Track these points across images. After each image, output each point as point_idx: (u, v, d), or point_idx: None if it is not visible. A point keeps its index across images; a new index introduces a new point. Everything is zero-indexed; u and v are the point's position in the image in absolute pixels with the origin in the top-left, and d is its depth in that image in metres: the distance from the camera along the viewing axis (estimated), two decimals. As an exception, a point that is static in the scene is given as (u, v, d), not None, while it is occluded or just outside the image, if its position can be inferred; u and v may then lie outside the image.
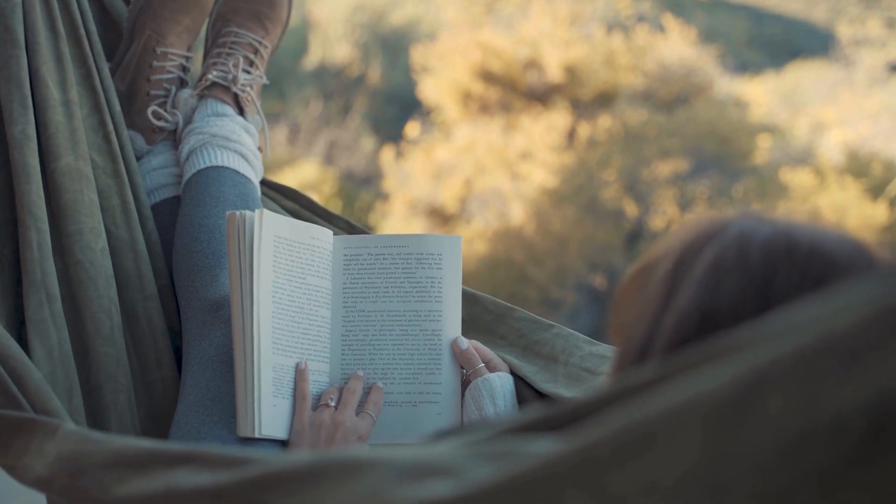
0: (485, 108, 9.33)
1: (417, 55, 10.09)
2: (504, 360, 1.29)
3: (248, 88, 1.58)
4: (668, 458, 0.45)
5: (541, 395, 1.25)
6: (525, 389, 1.27)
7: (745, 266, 0.65)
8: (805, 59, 11.87)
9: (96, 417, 1.28)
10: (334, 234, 1.35)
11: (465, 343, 1.27)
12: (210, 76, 1.56)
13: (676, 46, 10.04)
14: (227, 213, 1.24)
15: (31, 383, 1.16)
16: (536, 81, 9.23)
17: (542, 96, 9.24)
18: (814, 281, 0.64)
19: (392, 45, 12.33)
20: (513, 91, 9.28)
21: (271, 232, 1.23)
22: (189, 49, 1.62)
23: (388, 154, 9.30)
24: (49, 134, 1.35)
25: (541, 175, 8.44)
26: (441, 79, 9.52)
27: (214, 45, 1.60)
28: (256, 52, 1.59)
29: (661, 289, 0.68)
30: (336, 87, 10.19)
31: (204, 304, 1.32)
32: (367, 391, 1.27)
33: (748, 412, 0.43)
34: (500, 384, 1.23)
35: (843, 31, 12.14)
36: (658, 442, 0.45)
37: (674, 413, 0.45)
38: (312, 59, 9.95)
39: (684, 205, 8.29)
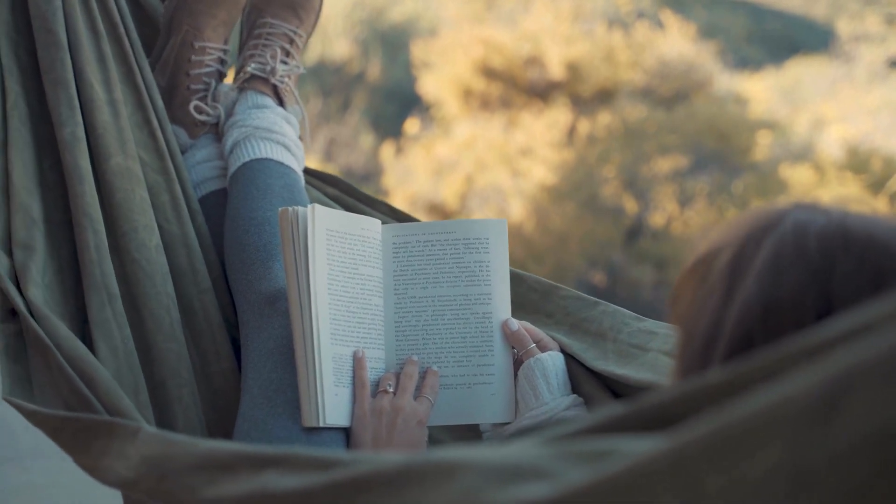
0: (485, 105, 9.32)
1: (417, 51, 10.08)
2: (553, 339, 1.31)
3: (286, 79, 1.60)
4: (757, 459, 0.46)
5: (591, 372, 1.27)
6: (575, 366, 1.28)
7: (804, 258, 0.67)
8: (805, 56, 11.87)
9: (162, 412, 1.31)
10: (381, 222, 1.37)
11: (516, 324, 1.28)
12: (249, 69, 1.58)
13: (676, 43, 10.03)
14: (280, 209, 1.26)
15: (101, 384, 1.19)
16: (537, 78, 9.23)
17: (542, 92, 9.24)
18: (871, 271, 0.65)
19: (392, 41, 12.32)
20: (513, 87, 9.28)
21: (323, 225, 1.25)
22: (225, 42, 1.63)
23: (387, 150, 9.29)
24: (98, 134, 1.37)
25: (541, 171, 8.44)
26: (441, 75, 9.51)
27: (250, 36, 1.62)
28: (292, 41, 1.60)
29: (722, 281, 0.70)
30: (335, 83, 10.18)
31: (259, 296, 1.34)
32: (423, 375, 1.29)
33: (832, 415, 0.44)
34: (552, 363, 1.25)
35: (843, 27, 12.14)
36: (749, 443, 0.46)
37: (763, 416, 0.46)
38: (311, 55, 9.94)
39: (684, 201, 8.29)
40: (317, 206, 1.25)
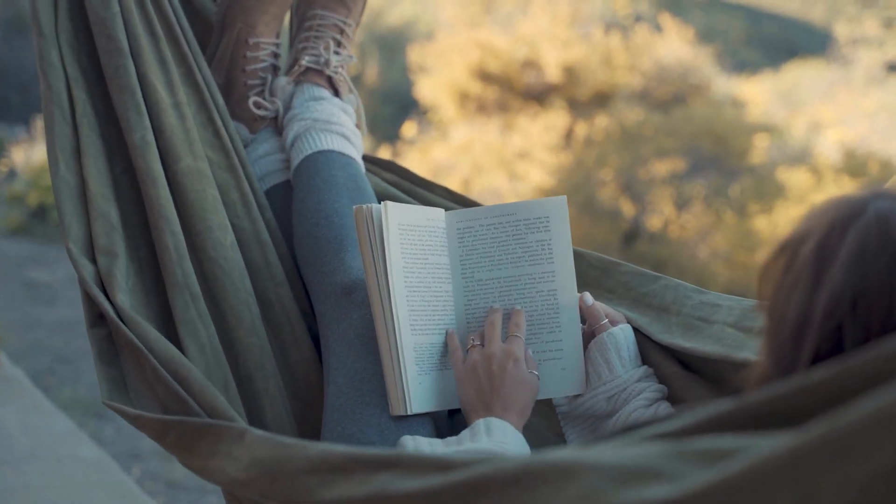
0: (482, 108, 9.33)
1: (414, 55, 10.09)
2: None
3: (340, 69, 1.62)
4: (868, 458, 0.47)
5: (658, 344, 1.28)
6: (642, 338, 1.29)
7: (889, 249, 0.70)
8: (802, 59, 11.89)
9: (251, 405, 1.34)
10: (443, 209, 1.39)
11: (591, 299, 1.30)
12: (303, 62, 1.60)
13: (674, 46, 10.05)
14: (354, 207, 1.28)
15: (195, 383, 1.21)
16: (534, 81, 9.24)
17: (539, 96, 9.24)
18: None
19: (389, 45, 12.32)
20: (510, 91, 9.28)
21: (396, 221, 1.28)
22: (277, 36, 1.65)
23: (384, 154, 9.30)
24: (165, 137, 1.39)
25: (538, 174, 8.45)
26: (438, 78, 9.52)
27: (301, 29, 1.64)
28: (342, 32, 1.63)
29: (810, 269, 0.73)
30: (333, 86, 10.17)
31: (336, 288, 1.36)
32: (508, 318, 1.30)
33: None
34: (623, 337, 1.27)
35: (841, 30, 12.17)
36: (863, 443, 0.47)
37: (876, 417, 0.47)
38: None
39: (681, 204, 8.30)
40: (389, 203, 1.27)
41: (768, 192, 8.20)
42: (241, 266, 1.40)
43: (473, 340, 1.26)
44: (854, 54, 11.49)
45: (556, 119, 8.93)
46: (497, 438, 1.11)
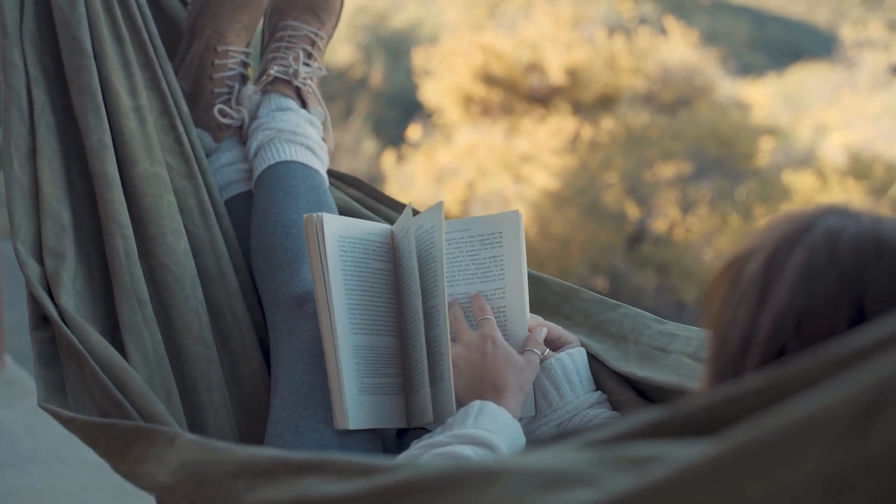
0: (486, 111, 9.33)
1: (419, 58, 10.09)
2: None
3: (308, 81, 1.61)
4: (796, 466, 0.46)
5: (613, 371, 1.27)
6: (597, 364, 1.28)
7: (836, 267, 0.67)
8: (807, 62, 11.87)
9: (193, 415, 1.32)
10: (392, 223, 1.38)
11: (524, 334, 1.27)
12: (271, 71, 1.59)
13: (678, 49, 10.04)
14: (304, 216, 1.27)
15: (135, 389, 1.20)
16: (538, 84, 9.23)
17: (543, 99, 9.24)
18: None
19: (394, 48, 12.33)
20: (514, 94, 9.28)
21: (335, 233, 1.27)
22: (248, 45, 1.64)
23: (389, 157, 9.30)
24: (124, 140, 1.38)
25: (543, 177, 8.44)
26: (443, 81, 9.52)
27: (272, 39, 1.63)
28: (314, 44, 1.62)
29: (755, 287, 0.71)
30: (338, 89, 10.20)
31: (289, 299, 1.34)
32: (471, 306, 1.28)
33: (869, 425, 0.45)
34: (571, 362, 1.25)
35: (846, 33, 12.15)
36: (789, 450, 0.47)
37: (802, 424, 0.47)
38: (314, 61, 9.94)
39: (686, 207, 8.29)
40: (325, 215, 1.27)
41: (773, 195, 8.19)
42: (194, 274, 1.38)
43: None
44: (859, 57, 11.47)
45: (560, 122, 8.93)
46: (483, 423, 1.09)
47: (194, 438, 0.94)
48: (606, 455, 0.55)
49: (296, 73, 1.58)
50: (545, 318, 1.32)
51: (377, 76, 11.97)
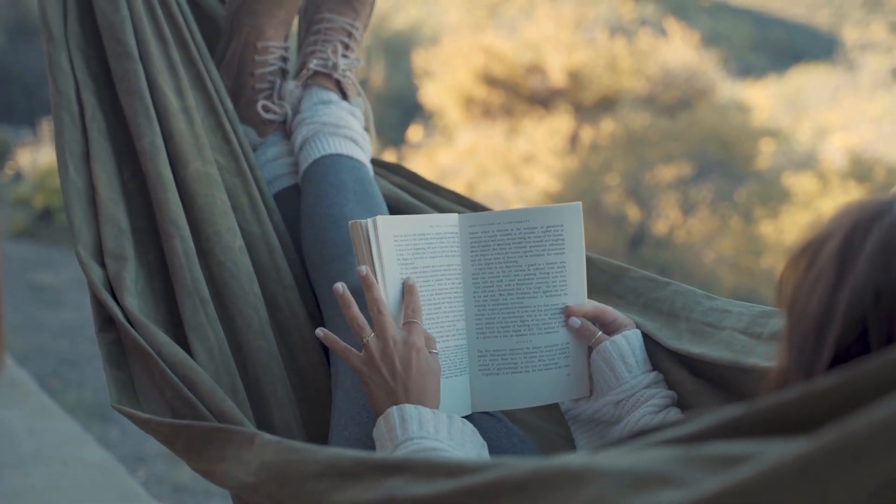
0: (487, 112, 9.33)
1: (420, 59, 10.10)
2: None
3: (348, 73, 1.62)
4: (881, 467, 0.47)
5: (667, 351, 1.27)
6: (652, 344, 1.28)
7: None
8: (808, 64, 11.88)
9: (259, 408, 1.34)
10: (451, 211, 1.38)
11: (578, 322, 1.27)
12: (311, 65, 1.60)
13: (679, 50, 10.05)
14: (350, 222, 1.24)
15: (204, 387, 1.22)
16: (539, 85, 9.24)
17: (544, 100, 9.25)
18: None
19: (394, 49, 12.33)
20: (515, 95, 9.29)
21: (390, 234, 1.25)
22: (286, 39, 1.65)
23: (390, 158, 9.29)
24: (175, 142, 1.39)
25: (543, 179, 8.44)
26: (443, 83, 9.52)
27: (309, 33, 1.64)
28: (350, 35, 1.63)
29: (833, 265, 0.72)
30: (339, 90, 10.18)
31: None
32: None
33: None
34: (626, 344, 1.25)
35: (847, 35, 12.16)
36: (871, 453, 0.47)
37: (886, 427, 0.47)
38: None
39: (687, 209, 8.29)
40: (378, 217, 1.24)
41: (774, 196, 8.19)
42: (250, 270, 1.40)
43: (366, 336, 1.18)
44: (860, 59, 11.48)
45: (561, 123, 8.93)
46: (428, 431, 1.07)
47: (274, 439, 0.96)
48: (692, 454, 0.55)
49: (335, 66, 1.59)
50: (597, 299, 1.33)
51: (378, 78, 11.97)
